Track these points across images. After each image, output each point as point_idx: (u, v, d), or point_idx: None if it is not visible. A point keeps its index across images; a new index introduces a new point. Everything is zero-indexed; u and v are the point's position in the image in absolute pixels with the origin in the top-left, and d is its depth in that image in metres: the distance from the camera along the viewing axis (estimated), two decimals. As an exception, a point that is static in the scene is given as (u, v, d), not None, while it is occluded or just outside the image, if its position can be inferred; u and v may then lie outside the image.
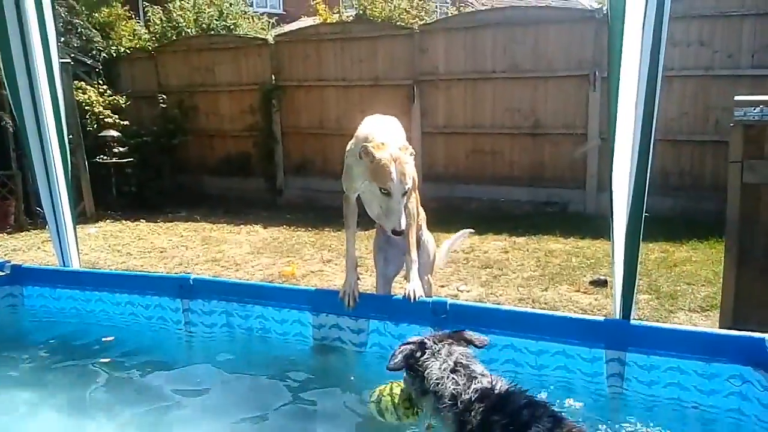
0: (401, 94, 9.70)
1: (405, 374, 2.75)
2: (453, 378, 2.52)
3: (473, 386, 2.45)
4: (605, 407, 3.14)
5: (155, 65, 11.76)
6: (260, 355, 3.74)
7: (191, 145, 11.58)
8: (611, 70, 3.16)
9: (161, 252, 7.86)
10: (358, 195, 3.67)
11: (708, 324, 4.73)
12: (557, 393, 3.14)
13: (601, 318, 3.41)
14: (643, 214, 3.03)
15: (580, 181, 9.03)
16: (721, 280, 4.20)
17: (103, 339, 4.00)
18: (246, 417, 3.15)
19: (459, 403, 2.43)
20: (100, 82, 11.33)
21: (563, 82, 9.03)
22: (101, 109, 10.75)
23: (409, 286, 3.49)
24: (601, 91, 8.59)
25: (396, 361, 2.71)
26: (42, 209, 8.49)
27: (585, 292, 5.73)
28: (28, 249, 8.05)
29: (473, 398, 2.40)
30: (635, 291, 3.20)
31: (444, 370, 2.55)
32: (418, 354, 2.67)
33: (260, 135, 10.99)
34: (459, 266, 6.66)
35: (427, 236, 3.94)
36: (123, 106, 11.15)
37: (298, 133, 10.81)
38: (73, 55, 10.60)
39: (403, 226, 3.14)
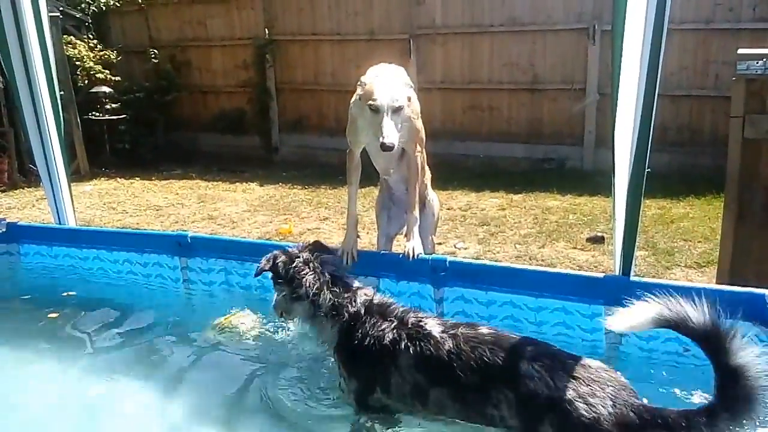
0: (397, 49, 9.53)
1: (274, 284, 2.92)
2: (333, 290, 2.76)
3: (359, 299, 2.73)
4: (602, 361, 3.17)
5: (146, 19, 11.50)
6: (259, 313, 3.73)
7: (184, 102, 11.43)
8: (615, 22, 3.09)
9: (157, 210, 7.83)
10: (364, 151, 3.62)
11: (704, 280, 4.76)
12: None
13: (601, 274, 3.41)
14: (646, 170, 3.01)
15: (577, 137, 8.97)
16: (719, 236, 4.20)
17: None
18: (245, 374, 3.18)
19: (344, 313, 2.70)
20: (90, 36, 11.09)
21: (562, 35, 8.89)
22: (92, 64, 10.54)
23: (409, 244, 3.48)
24: (601, 44, 8.46)
25: (262, 266, 2.90)
26: (35, 167, 8.45)
27: (582, 249, 5.75)
28: (23, 207, 8.00)
29: (361, 310, 2.69)
30: (635, 247, 3.20)
31: (321, 281, 2.78)
32: (288, 262, 2.85)
33: (254, 91, 10.84)
34: (456, 224, 6.66)
35: (432, 195, 3.92)
36: (114, 61, 10.94)
37: (293, 89, 10.66)
38: (62, 8, 10.34)
39: (393, 140, 3.07)
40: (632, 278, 3.14)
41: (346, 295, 2.75)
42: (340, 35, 10.11)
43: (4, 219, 4.61)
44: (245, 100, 11.00)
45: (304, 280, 2.77)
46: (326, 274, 2.81)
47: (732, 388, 1.95)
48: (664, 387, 2.85)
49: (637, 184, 3.04)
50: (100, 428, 2.83)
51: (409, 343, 2.50)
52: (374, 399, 2.64)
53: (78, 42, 10.63)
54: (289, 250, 2.95)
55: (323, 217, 7.23)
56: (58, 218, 4.66)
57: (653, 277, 4.76)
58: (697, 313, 1.99)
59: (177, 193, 8.71)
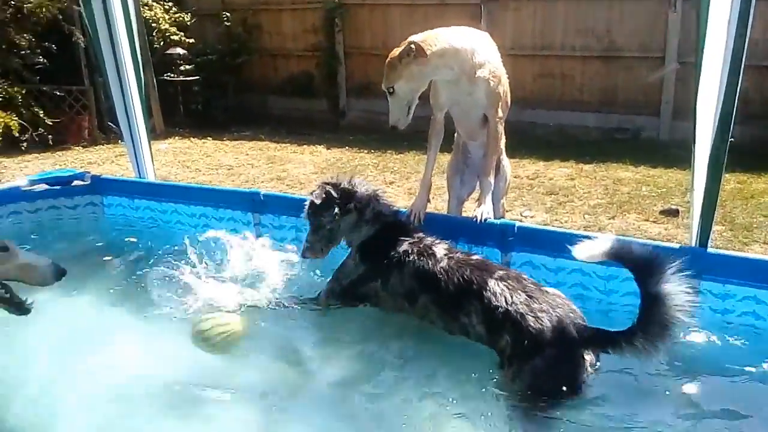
0: (468, 14, 9.32)
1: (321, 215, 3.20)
2: (378, 202, 3.27)
3: (395, 213, 3.37)
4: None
5: (219, -18, 11.66)
6: (328, 270, 3.81)
7: (255, 65, 11.59)
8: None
9: (228, 169, 8.05)
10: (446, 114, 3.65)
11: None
12: (623, 319, 3.12)
13: (677, 245, 3.32)
14: (728, 141, 2.90)
15: (654, 107, 8.65)
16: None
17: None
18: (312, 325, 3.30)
19: (381, 221, 3.24)
20: (165, -1, 11.36)
21: (641, 1, 8.52)
22: (167, 26, 10.82)
23: (480, 208, 3.48)
24: (682, 11, 8.07)
25: (322, 196, 3.16)
26: (114, 124, 8.81)
27: (654, 222, 5.60)
28: (103, 162, 8.37)
29: (395, 221, 3.31)
30: (713, 220, 3.11)
31: (370, 194, 3.26)
32: (336, 186, 3.21)
33: (323, 55, 10.88)
34: (523, 192, 6.58)
35: (506, 162, 3.91)
36: (188, 23, 11.19)
37: (361, 53, 10.64)
38: (139, -30, 10.61)
39: (393, 123, 3.42)
40: (709, 250, 3.06)
41: (385, 208, 3.27)
42: (410, -1, 10.00)
43: (88, 172, 4.85)
44: (314, 64, 11.07)
45: (357, 193, 3.19)
46: (371, 190, 3.27)
47: (651, 313, 2.30)
48: (736, 353, 2.79)
49: (719, 155, 2.95)
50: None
51: (415, 257, 3.00)
52: (370, 287, 3.15)
53: (154, 4, 10.90)
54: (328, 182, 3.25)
55: (389, 181, 7.27)
56: (138, 172, 4.87)
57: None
58: (641, 249, 2.40)
59: (247, 154, 8.91)
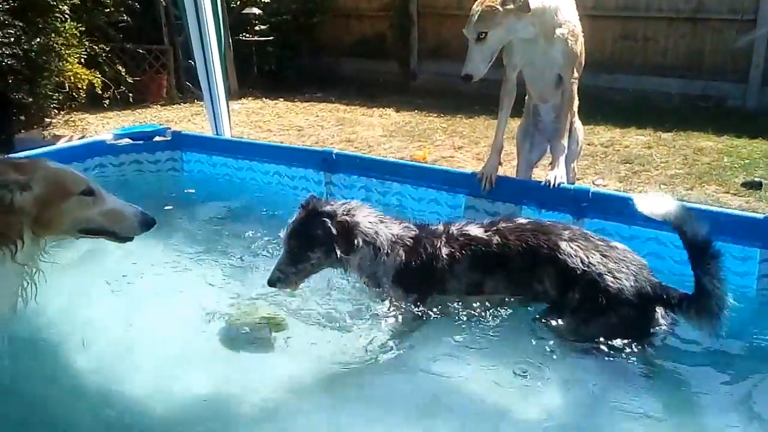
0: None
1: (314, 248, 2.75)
2: (387, 227, 2.83)
3: (409, 228, 2.87)
4: (750, 308, 3.01)
5: (294, -59, 11.66)
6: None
7: (328, 26, 11.60)
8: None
9: (299, 130, 8.17)
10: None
11: None
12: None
13: (761, 215, 3.18)
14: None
15: (742, 73, 8.19)
16: None
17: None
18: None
19: (403, 243, 2.80)
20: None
21: (733, -40, 8.03)
22: (244, -14, 10.94)
23: (552, 172, 3.43)
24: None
25: (317, 236, 2.73)
26: (192, 84, 9.06)
27: (735, 194, 5.37)
28: (180, 121, 8.64)
29: (416, 235, 2.84)
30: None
31: (376, 223, 2.82)
32: (331, 217, 2.74)
33: (396, 15, 10.78)
34: (596, 160, 6.41)
35: (578, 124, 3.83)
36: (264, -18, 11.28)
37: (435, 14, 10.48)
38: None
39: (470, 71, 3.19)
40: (797, 221, 2.92)
41: (398, 228, 2.85)
42: (486, -42, 9.72)
43: (169, 128, 5.03)
44: (386, 25, 10.98)
45: (360, 225, 2.75)
46: (375, 215, 2.86)
47: (702, 292, 2.37)
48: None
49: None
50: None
51: (462, 251, 2.77)
52: (429, 302, 2.83)
53: (231, -37, 11.03)
54: (310, 208, 2.81)
55: (458, 146, 7.21)
56: (216, 130, 5.02)
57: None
58: (703, 232, 2.38)
59: (317, 115, 9.01)
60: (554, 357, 2.58)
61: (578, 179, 5.67)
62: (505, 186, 3.66)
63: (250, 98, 10.21)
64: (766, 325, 2.97)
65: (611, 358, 2.54)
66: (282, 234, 2.80)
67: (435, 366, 2.59)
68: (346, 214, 2.76)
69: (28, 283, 2.31)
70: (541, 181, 3.52)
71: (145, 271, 3.31)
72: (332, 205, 2.82)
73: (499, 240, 2.74)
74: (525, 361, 2.56)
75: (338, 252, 2.71)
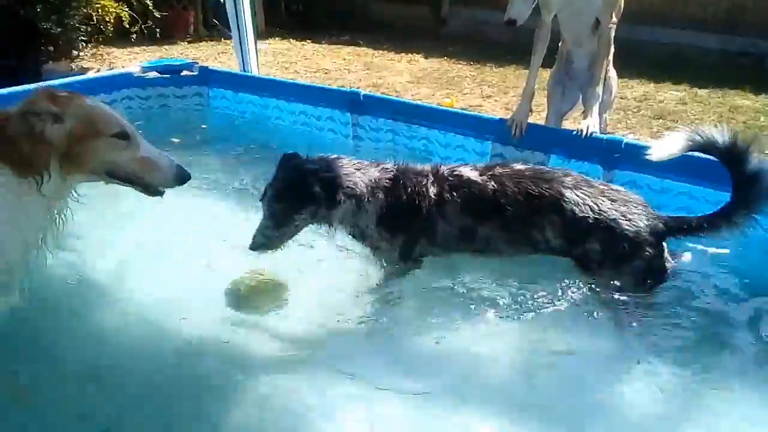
0: None
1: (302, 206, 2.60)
2: (366, 174, 2.67)
3: (387, 169, 2.71)
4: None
5: None
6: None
7: (359, -33, 11.32)
8: None
9: (326, 73, 8.06)
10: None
11: None
12: (726, 248, 2.98)
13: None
14: None
15: (785, 31, 7.87)
16: None
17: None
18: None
19: (383, 187, 2.67)
20: None
21: None
22: None
23: (585, 121, 3.36)
24: None
25: (299, 195, 2.59)
26: (218, 22, 8.94)
27: (770, 154, 5.23)
28: (206, 59, 8.55)
29: (396, 176, 2.69)
30: None
31: (358, 171, 2.66)
32: (313, 173, 2.59)
33: (429, -41, 10.48)
34: (628, 114, 6.26)
35: (612, 73, 3.72)
36: None
37: (469, -42, 10.17)
38: None
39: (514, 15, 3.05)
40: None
41: (375, 171, 2.69)
42: None
43: (196, 62, 4.99)
44: (418, -32, 10.69)
45: (340, 177, 2.61)
46: (352, 164, 2.70)
47: (748, 189, 2.40)
48: None
49: None
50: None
51: (453, 192, 2.63)
52: (417, 248, 2.74)
53: None
54: (291, 167, 2.66)
55: (486, 95, 7.08)
56: (243, 68, 4.97)
57: None
58: (720, 135, 2.41)
59: (344, 59, 8.87)
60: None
61: (609, 133, 5.60)
62: (535, 134, 3.60)
63: (277, 38, 10.06)
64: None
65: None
66: (262, 196, 2.64)
67: (435, 331, 2.55)
68: (327, 170, 2.62)
69: (55, 219, 2.28)
70: (573, 130, 3.45)
71: (164, 206, 3.28)
72: (311, 162, 2.66)
73: (495, 185, 2.61)
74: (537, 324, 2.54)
75: (324, 210, 2.60)
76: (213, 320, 2.58)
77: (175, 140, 4.31)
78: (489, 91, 7.22)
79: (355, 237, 2.79)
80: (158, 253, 2.98)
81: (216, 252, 2.96)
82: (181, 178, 2.35)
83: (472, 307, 2.61)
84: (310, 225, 2.70)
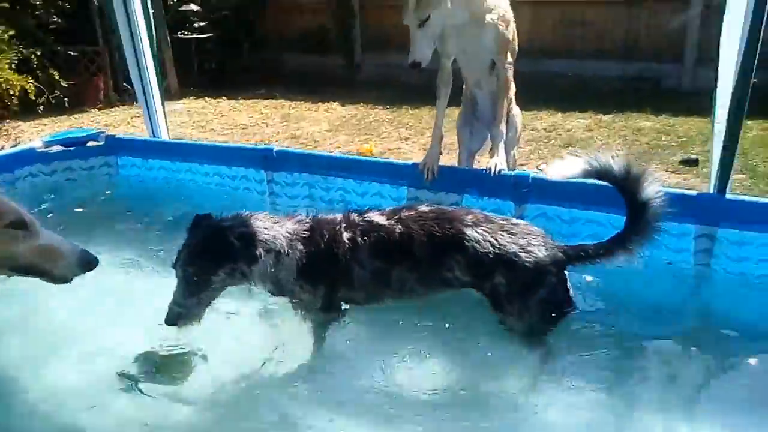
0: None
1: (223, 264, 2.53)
2: (286, 228, 2.67)
3: (303, 222, 2.73)
4: (688, 283, 3.09)
5: (230, -65, 11.43)
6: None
7: (269, 21, 11.44)
8: None
9: (243, 129, 8.03)
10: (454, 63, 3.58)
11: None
12: (637, 268, 3.09)
13: (694, 192, 3.26)
14: (750, 87, 2.82)
15: (677, 54, 8.40)
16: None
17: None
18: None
19: (302, 240, 2.66)
20: (178, -47, 11.18)
21: (665, -58, 8.22)
22: (180, -19, 10.68)
23: (492, 159, 3.44)
24: (708, -49, 7.76)
25: (220, 252, 2.51)
26: (130, 85, 8.80)
27: (674, 172, 5.50)
28: (119, 124, 8.38)
29: (313, 229, 2.70)
30: (732, 167, 3.04)
31: (275, 226, 2.65)
32: (232, 229, 2.56)
33: (338, 8, 10.68)
34: (539, 145, 6.49)
35: (516, 111, 3.84)
36: (201, -22, 11.03)
37: (376, 6, 10.42)
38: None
39: (417, 58, 3.14)
40: (728, 196, 3.00)
41: (291, 224, 2.69)
42: (424, -53, 9.71)
43: (103, 132, 4.86)
44: (328, 18, 10.88)
45: (260, 237, 2.56)
46: (267, 218, 2.70)
47: (640, 217, 2.49)
48: (753, 309, 2.76)
49: (740, 99, 2.87)
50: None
51: (364, 237, 2.65)
52: (338, 296, 2.74)
53: (166, -41, 10.75)
54: (203, 227, 2.61)
55: (404, 137, 7.20)
56: (152, 132, 4.87)
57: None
58: (615, 164, 2.50)
59: (262, 113, 8.87)
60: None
61: (522, 165, 5.75)
62: (447, 175, 3.65)
63: (191, 97, 9.98)
64: (704, 298, 3.06)
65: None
66: (175, 261, 2.52)
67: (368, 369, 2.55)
68: (243, 226, 2.58)
69: None
70: (482, 169, 3.52)
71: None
72: (225, 220, 2.61)
73: (403, 229, 2.65)
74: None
75: (243, 266, 2.53)
76: (122, 403, 2.45)
77: (81, 212, 4.17)
78: (406, 133, 7.35)
79: (274, 293, 2.72)
80: (66, 337, 2.82)
81: (130, 331, 2.81)
82: (87, 263, 2.22)
83: (402, 354, 2.61)
84: (227, 287, 2.60)
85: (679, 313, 2.87)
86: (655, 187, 2.47)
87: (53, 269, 2.19)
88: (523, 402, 2.43)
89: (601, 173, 2.56)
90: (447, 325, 2.72)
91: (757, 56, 2.79)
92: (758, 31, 2.74)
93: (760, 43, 2.77)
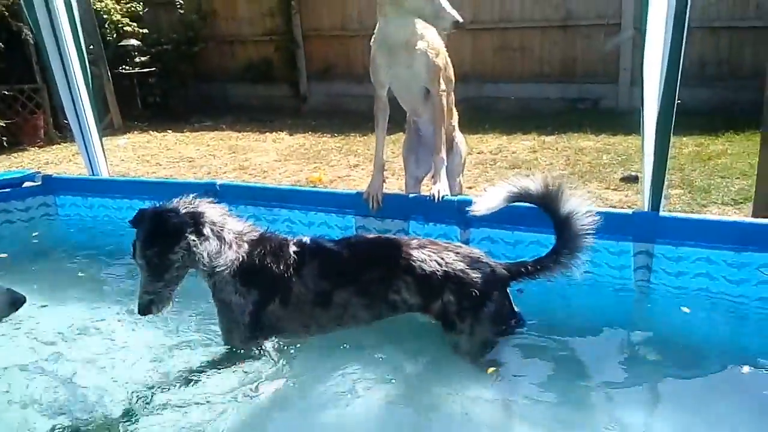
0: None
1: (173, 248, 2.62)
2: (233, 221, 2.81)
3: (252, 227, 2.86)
4: (630, 299, 3.16)
5: (169, -31, 11.41)
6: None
7: (212, 53, 11.40)
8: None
9: (190, 161, 7.91)
10: (389, 92, 3.61)
11: (740, 217, 4.64)
12: (582, 286, 3.15)
13: (630, 210, 3.35)
14: (675, 104, 2.93)
15: (612, 75, 8.71)
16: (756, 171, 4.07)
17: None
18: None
19: (249, 237, 2.77)
20: (116, -11, 11.07)
21: (594, -33, 8.55)
22: (119, 17, 10.55)
23: (435, 186, 3.46)
24: (636, -24, 8.10)
25: (174, 223, 2.62)
26: (69, 122, 8.59)
27: (615, 189, 5.65)
28: (60, 162, 8.16)
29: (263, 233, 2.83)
30: (665, 184, 3.13)
31: (222, 214, 2.79)
32: (182, 210, 2.69)
33: (281, 39, 10.75)
34: (486, 167, 6.58)
35: (459, 138, 3.88)
36: (141, 13, 10.93)
37: (320, 36, 10.53)
38: (86, -39, 10.31)
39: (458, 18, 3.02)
40: (661, 213, 3.08)
41: (242, 224, 2.82)
42: (365, -23, 9.90)
43: (39, 172, 4.73)
44: (272, 49, 10.91)
45: (206, 213, 2.70)
46: (219, 207, 2.81)
47: (566, 230, 2.60)
48: (694, 323, 2.83)
49: (666, 117, 2.98)
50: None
51: (311, 256, 2.71)
52: (268, 313, 2.70)
53: (104, -5, 10.63)
54: (152, 213, 2.70)
55: (353, 164, 7.22)
56: (92, 170, 4.76)
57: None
58: (533, 183, 2.66)
59: (209, 145, 8.78)
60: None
61: (470, 188, 5.82)
62: (392, 203, 3.66)
63: (136, 132, 9.81)
64: (646, 313, 3.13)
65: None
66: (132, 252, 2.64)
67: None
68: (190, 205, 2.70)
69: None
70: (426, 195, 3.55)
71: (20, 323, 3.03)
72: (170, 203, 2.74)
73: (351, 253, 2.73)
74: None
75: (194, 244, 2.60)
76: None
77: (20, 252, 4.04)
78: (355, 160, 7.37)
79: (211, 290, 2.74)
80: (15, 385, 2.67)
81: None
82: (14, 302, 2.25)
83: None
84: (187, 271, 2.69)
85: (624, 326, 2.93)
86: (576, 200, 2.60)
87: None
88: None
89: (522, 196, 2.72)
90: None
91: (679, 74, 2.90)
92: (679, 51, 2.84)
93: (681, 62, 2.88)
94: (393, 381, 2.60)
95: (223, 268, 2.67)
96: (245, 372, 2.65)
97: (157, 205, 2.74)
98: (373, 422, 2.46)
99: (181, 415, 2.46)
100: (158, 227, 2.60)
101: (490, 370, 2.61)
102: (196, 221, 2.64)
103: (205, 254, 2.64)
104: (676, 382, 2.56)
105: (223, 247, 2.67)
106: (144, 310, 2.65)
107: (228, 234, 2.71)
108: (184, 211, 2.66)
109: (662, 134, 2.99)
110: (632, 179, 5.76)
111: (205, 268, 2.68)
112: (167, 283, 2.65)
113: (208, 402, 2.51)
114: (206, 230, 2.64)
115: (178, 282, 2.69)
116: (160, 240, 2.59)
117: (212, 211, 2.74)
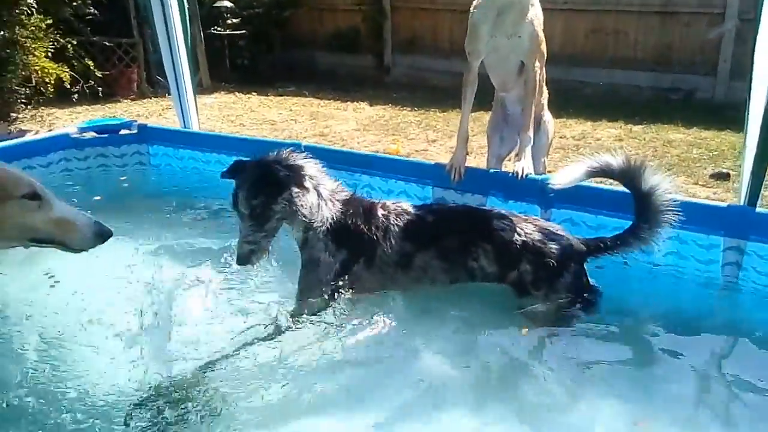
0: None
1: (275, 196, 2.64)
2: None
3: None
4: (713, 296, 3.06)
5: (267, -66, 11.55)
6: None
7: (301, 19, 11.52)
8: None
9: (272, 124, 8.10)
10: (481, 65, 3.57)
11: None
12: (666, 278, 3.08)
13: (724, 204, 3.22)
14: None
15: (710, 66, 8.28)
16: None
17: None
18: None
19: (342, 195, 2.87)
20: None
21: (702, -47, 8.11)
22: (215, -22, 10.81)
23: (519, 163, 3.43)
24: (747, -36, 7.65)
25: (282, 174, 2.65)
26: (162, 78, 8.94)
27: (704, 185, 5.42)
28: (150, 115, 8.50)
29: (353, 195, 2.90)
30: (764, 181, 3.00)
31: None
32: (284, 162, 2.72)
33: (369, 9, 10.73)
34: (568, 152, 6.44)
35: (548, 117, 3.83)
36: (235, -24, 11.15)
37: (408, 7, 10.45)
38: None
39: None
40: (758, 209, 2.96)
41: (333, 183, 2.86)
42: (459, -49, 9.74)
43: (135, 121, 4.95)
44: (360, 19, 10.93)
45: (306, 167, 2.74)
46: (316, 162, 2.85)
47: (647, 205, 2.61)
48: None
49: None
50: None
51: (398, 219, 2.78)
52: (352, 273, 2.73)
53: (202, -44, 10.89)
54: (254, 164, 2.74)
55: (431, 139, 7.20)
56: (184, 124, 4.95)
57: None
58: (615, 159, 2.65)
59: (291, 110, 8.94)
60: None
61: (550, 172, 5.69)
62: (473, 177, 3.65)
63: (222, 92, 10.09)
64: (733, 310, 3.02)
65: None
66: (233, 203, 2.67)
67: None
68: (291, 158, 2.74)
69: None
70: (509, 172, 3.52)
71: (108, 267, 3.17)
72: (271, 154, 2.77)
73: (435, 219, 2.81)
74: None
75: (296, 197, 2.64)
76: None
77: (113, 196, 4.24)
78: (434, 135, 7.35)
79: (300, 240, 2.78)
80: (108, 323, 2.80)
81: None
82: (102, 235, 2.25)
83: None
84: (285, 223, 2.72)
85: (705, 322, 2.84)
86: (658, 177, 2.60)
87: (69, 240, 2.23)
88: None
89: (603, 171, 2.72)
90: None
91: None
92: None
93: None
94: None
95: (320, 224, 2.70)
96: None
97: (256, 157, 2.77)
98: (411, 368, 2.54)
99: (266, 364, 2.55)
100: (264, 177, 2.62)
101: (524, 330, 2.67)
102: (297, 173, 2.67)
103: (306, 207, 2.67)
104: (754, 396, 2.42)
105: (320, 202, 2.71)
106: (244, 259, 2.66)
107: (324, 190, 2.75)
108: (286, 163, 2.69)
109: (767, 130, 2.85)
110: (723, 176, 5.51)
111: (305, 220, 2.69)
112: (267, 234, 2.66)
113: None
114: (307, 183, 2.68)
115: (275, 233, 2.71)
116: (266, 189, 2.61)
117: (310, 165, 2.78)
